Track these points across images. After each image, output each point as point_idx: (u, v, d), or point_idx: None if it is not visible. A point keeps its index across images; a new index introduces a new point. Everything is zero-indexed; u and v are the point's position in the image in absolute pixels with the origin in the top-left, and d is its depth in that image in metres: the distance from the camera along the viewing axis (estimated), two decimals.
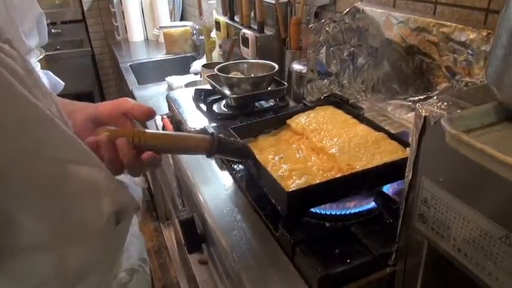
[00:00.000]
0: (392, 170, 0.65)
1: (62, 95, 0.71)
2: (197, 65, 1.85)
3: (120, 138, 0.52)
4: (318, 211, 0.67)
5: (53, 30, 3.00)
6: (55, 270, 0.44)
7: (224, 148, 0.63)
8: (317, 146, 0.77)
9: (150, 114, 0.58)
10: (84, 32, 3.09)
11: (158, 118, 1.20)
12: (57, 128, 0.42)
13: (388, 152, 0.72)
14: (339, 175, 0.68)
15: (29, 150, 0.39)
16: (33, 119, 0.39)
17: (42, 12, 1.28)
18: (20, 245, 0.42)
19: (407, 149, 0.71)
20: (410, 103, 0.94)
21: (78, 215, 0.45)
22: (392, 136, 0.76)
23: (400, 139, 0.75)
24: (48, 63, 2.15)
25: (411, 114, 0.93)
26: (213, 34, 1.84)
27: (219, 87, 1.11)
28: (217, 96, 1.15)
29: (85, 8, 3.04)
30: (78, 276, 0.47)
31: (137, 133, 0.53)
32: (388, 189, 0.72)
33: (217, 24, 1.73)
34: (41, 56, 1.90)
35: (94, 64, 3.13)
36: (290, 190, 0.62)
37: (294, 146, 0.82)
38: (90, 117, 0.55)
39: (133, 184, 0.61)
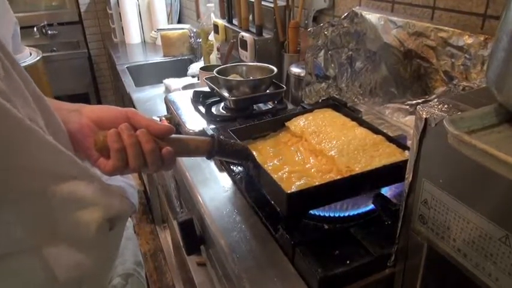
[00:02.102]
0: (391, 172, 0.65)
1: (57, 96, 0.71)
2: (195, 67, 1.86)
3: (140, 130, 0.52)
4: (317, 213, 0.68)
5: (49, 32, 3.00)
6: (45, 274, 0.44)
7: (224, 150, 0.63)
8: (316, 149, 0.78)
9: (171, 131, 0.55)
10: (80, 33, 3.09)
11: (157, 120, 1.20)
12: (38, 139, 0.41)
13: (387, 155, 0.72)
14: (338, 177, 0.69)
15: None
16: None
17: (16, 22, 1.27)
18: (8, 250, 0.42)
19: (406, 151, 0.72)
20: (408, 107, 0.94)
21: (65, 227, 0.45)
22: (390, 139, 0.77)
23: (398, 142, 0.76)
24: (44, 64, 2.14)
25: (409, 118, 0.93)
26: (211, 37, 1.85)
27: (218, 90, 1.11)
28: (216, 99, 1.15)
29: (82, 10, 3.03)
30: (72, 283, 0.47)
31: None
32: (386, 191, 0.72)
33: (216, 27, 1.74)
34: (38, 58, 1.90)
35: (90, 66, 3.13)
36: (290, 191, 0.62)
37: (292, 148, 0.82)
38: (98, 118, 0.54)
39: (131, 188, 0.60)
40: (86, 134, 0.52)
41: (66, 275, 0.46)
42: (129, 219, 0.71)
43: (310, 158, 0.77)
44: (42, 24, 2.96)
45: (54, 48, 3.00)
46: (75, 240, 0.46)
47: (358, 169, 0.69)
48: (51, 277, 0.45)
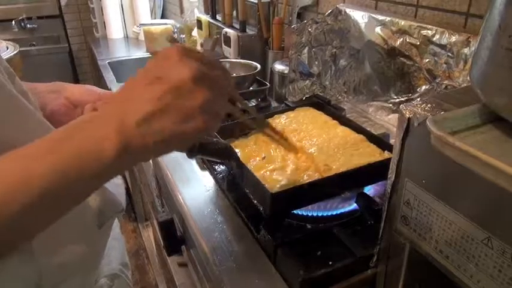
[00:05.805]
0: (376, 171, 0.65)
1: None
2: None
3: None
4: (299, 212, 0.67)
5: (28, 25, 2.91)
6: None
7: (206, 148, 0.62)
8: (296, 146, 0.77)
9: None
10: (61, 28, 3.02)
11: None
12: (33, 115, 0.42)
13: (367, 154, 0.72)
14: (316, 175, 0.68)
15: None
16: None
17: None
18: None
19: (386, 152, 0.72)
20: (391, 105, 0.94)
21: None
22: (371, 139, 0.77)
23: (379, 141, 0.75)
24: (23, 59, 2.08)
25: (392, 116, 0.93)
26: (195, 33, 1.82)
27: None
28: None
29: (62, 3, 2.96)
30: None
31: None
32: (368, 189, 0.72)
33: (199, 22, 1.71)
34: (15, 52, 1.84)
35: (71, 61, 3.06)
36: (274, 191, 0.61)
37: (273, 145, 0.81)
38: (76, 101, 0.56)
39: (117, 187, 0.59)
40: (64, 113, 0.54)
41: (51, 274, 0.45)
42: (116, 219, 0.70)
43: (289, 155, 0.76)
44: (21, 17, 2.87)
45: (34, 43, 2.92)
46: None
47: (335, 167, 0.68)
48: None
